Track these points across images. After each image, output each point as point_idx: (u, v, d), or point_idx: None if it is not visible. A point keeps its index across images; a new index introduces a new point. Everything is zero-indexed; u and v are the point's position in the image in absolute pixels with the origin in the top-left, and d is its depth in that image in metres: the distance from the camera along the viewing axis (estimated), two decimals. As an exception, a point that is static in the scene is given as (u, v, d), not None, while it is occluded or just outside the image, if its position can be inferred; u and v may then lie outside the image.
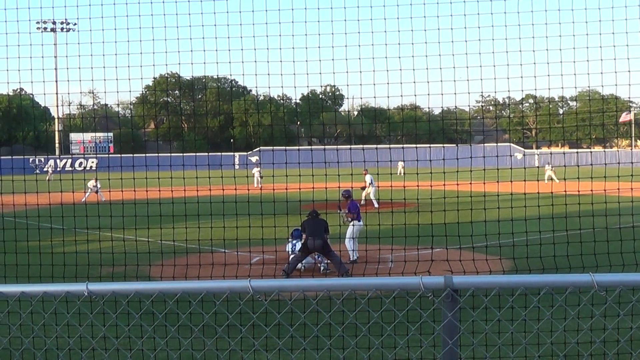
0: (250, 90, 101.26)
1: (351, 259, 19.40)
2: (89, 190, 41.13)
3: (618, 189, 12.80)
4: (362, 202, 39.04)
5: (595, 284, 4.03)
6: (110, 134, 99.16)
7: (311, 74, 12.34)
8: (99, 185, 41.61)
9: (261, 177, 50.99)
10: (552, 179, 49.13)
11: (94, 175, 44.66)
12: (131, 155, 14.35)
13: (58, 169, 70.52)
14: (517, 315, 5.10)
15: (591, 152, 22.95)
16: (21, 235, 13.64)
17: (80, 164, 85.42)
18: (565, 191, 13.66)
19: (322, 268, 18.61)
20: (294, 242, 19.07)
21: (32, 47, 12.63)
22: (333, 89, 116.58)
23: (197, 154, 18.17)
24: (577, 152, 15.38)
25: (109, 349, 6.80)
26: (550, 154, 71.54)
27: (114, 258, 12.77)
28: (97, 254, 12.92)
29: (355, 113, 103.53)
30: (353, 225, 20.14)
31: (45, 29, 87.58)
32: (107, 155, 74.40)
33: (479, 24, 11.70)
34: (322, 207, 17.98)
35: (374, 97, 12.63)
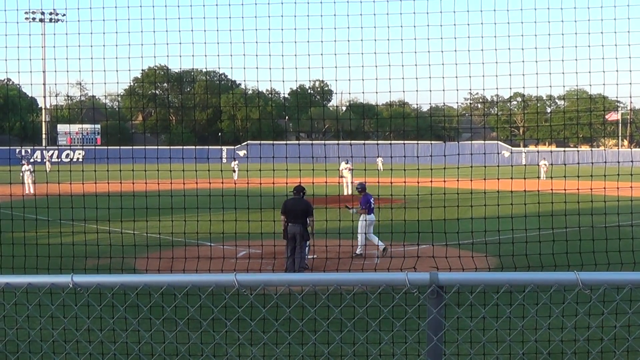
0: (239, 84, 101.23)
1: (357, 252, 19.23)
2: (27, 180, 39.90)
3: (604, 188, 12.85)
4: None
5: (580, 282, 4.04)
6: (98, 126, 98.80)
7: (300, 68, 12.31)
8: (28, 176, 40.12)
9: (235, 170, 50.97)
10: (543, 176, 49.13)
11: (23, 167, 42.83)
12: (118, 147, 14.28)
13: (54, 160, 70.15)
14: (502, 313, 5.12)
15: (578, 151, 23.03)
16: (6, 226, 13.57)
17: (67, 155, 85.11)
18: (551, 189, 13.71)
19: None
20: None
21: (19, 36, 12.55)
22: (322, 84, 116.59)
23: (185, 147, 18.10)
24: (564, 151, 15.45)
25: (93, 341, 6.77)
26: (538, 152, 71.76)
27: (99, 250, 12.72)
28: (82, 246, 12.87)
29: (344, 108, 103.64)
30: (365, 220, 20.02)
31: (33, 19, 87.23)
32: (94, 147, 74.15)
33: (468, 21, 11.72)
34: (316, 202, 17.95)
35: (363, 92, 12.62)
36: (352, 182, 41.46)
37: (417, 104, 14.36)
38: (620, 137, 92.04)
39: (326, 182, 16.43)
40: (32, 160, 49.46)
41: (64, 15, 79.91)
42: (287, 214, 17.38)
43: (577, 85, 14.49)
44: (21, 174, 40.43)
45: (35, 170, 41.85)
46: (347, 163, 39.86)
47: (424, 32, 11.76)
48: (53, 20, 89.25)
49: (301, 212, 17.37)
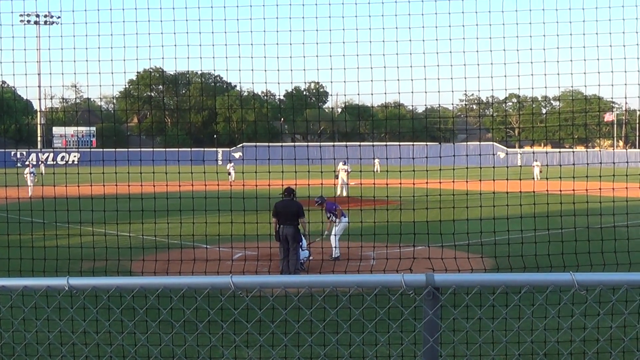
0: (235, 86, 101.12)
1: (333, 256, 19.40)
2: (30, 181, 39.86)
3: (599, 188, 12.86)
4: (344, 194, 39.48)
5: (575, 283, 4.05)
6: (93, 128, 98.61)
7: (295, 70, 12.33)
8: (32, 178, 40.03)
9: (229, 173, 50.87)
10: (537, 177, 49.16)
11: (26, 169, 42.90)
12: (113, 149, 14.27)
13: (48, 163, 69.94)
14: (497, 314, 5.11)
15: (573, 151, 23.08)
16: (1, 229, 13.55)
17: (63, 157, 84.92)
18: (547, 190, 13.72)
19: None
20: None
21: (14, 39, 12.53)
22: (317, 86, 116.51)
23: (180, 149, 18.10)
24: (559, 152, 15.47)
25: (90, 344, 6.76)
26: (533, 153, 71.82)
27: (95, 253, 12.69)
28: (78, 249, 12.85)
29: (339, 110, 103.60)
30: (337, 223, 20.16)
31: (28, 21, 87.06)
32: (89, 149, 73.99)
33: (464, 22, 11.72)
34: (304, 203, 17.97)
35: (358, 94, 12.64)
36: (347, 184, 41.56)
37: (412, 106, 14.42)
38: (615, 138, 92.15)
39: (322, 184, 16.44)
40: (27, 162, 49.52)
41: (59, 17, 79.82)
42: (279, 215, 17.39)
43: (572, 86, 14.55)
44: (25, 176, 40.46)
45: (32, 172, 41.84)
46: (344, 164, 39.89)
47: (419, 34, 11.79)
48: (48, 23, 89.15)
49: (293, 214, 17.39)
